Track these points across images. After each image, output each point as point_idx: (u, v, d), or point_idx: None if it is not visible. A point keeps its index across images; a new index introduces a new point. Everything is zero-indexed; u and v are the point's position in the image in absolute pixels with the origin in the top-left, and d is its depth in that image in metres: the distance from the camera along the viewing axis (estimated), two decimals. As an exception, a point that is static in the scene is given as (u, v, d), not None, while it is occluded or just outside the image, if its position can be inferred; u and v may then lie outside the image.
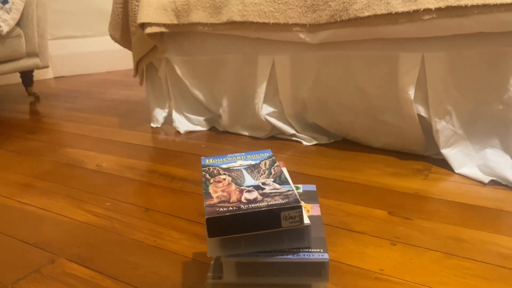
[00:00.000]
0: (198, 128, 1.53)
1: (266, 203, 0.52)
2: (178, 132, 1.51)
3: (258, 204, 0.52)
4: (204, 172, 0.63)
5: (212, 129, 1.55)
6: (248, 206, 0.52)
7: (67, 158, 1.32)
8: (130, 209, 0.96)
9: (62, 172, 1.20)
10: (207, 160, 0.68)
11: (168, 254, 0.77)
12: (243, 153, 0.70)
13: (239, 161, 0.67)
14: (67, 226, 0.89)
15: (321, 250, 0.53)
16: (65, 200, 1.01)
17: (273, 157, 0.68)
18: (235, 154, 0.70)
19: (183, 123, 1.53)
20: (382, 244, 0.78)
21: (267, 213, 0.51)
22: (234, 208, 0.51)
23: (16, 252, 0.79)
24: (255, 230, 0.52)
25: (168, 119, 1.60)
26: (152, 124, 1.60)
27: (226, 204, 0.53)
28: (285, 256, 0.52)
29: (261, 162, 0.66)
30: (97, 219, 0.91)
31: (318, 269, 0.52)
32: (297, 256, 0.52)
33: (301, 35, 1.18)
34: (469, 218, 0.85)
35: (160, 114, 1.59)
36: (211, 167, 0.65)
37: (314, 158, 1.22)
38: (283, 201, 0.52)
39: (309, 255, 0.52)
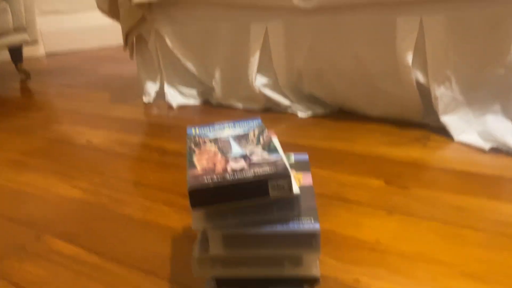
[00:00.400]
0: (191, 101, 1.49)
1: (253, 173, 0.49)
2: (170, 107, 1.48)
3: (244, 174, 0.49)
4: (189, 142, 0.60)
5: (206, 103, 1.50)
6: (234, 177, 0.49)
7: (58, 134, 1.28)
8: (120, 184, 0.93)
9: (51, 149, 1.17)
10: (193, 130, 0.65)
11: (157, 229, 0.74)
12: (231, 122, 0.67)
13: (227, 130, 0.64)
14: (55, 202, 0.86)
15: (312, 220, 0.50)
16: (54, 176, 0.99)
17: (263, 126, 0.64)
18: (223, 123, 0.67)
19: (175, 97, 1.49)
20: (378, 214, 0.75)
21: (254, 183, 0.48)
22: (219, 178, 0.48)
23: (1, 229, 0.77)
24: (241, 201, 0.49)
25: (160, 94, 1.56)
26: (143, 98, 1.56)
27: (211, 175, 0.50)
28: (274, 227, 0.49)
29: (250, 131, 0.63)
30: (86, 195, 0.89)
31: (309, 240, 0.49)
32: (286, 226, 0.49)
33: (294, 1, 1.13)
34: (469, 186, 0.83)
35: (151, 88, 1.55)
36: (197, 137, 0.62)
37: (309, 130, 1.18)
38: (271, 170, 0.49)
39: (299, 226, 0.49)
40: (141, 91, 1.59)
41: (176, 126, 1.29)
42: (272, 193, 0.49)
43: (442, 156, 0.96)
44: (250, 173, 0.49)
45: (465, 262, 0.62)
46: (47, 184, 0.95)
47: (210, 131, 0.64)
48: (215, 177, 0.49)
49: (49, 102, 1.70)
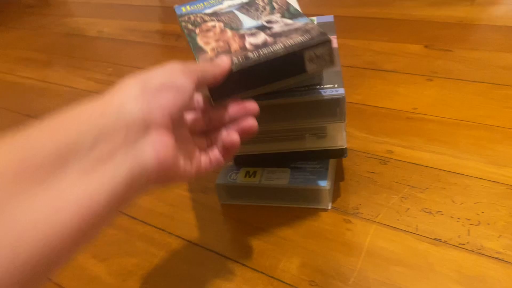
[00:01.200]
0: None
1: (282, 45, 0.38)
2: (184, -13, 1.35)
3: (271, 48, 0.38)
4: (183, 23, 0.49)
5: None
6: (259, 53, 0.37)
7: (68, 28, 1.21)
8: (133, 72, 0.87)
9: (62, 43, 1.11)
10: (183, 8, 0.54)
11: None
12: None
13: (226, 2, 0.53)
14: (69, 95, 0.83)
15: (336, 86, 0.43)
16: (66, 70, 0.94)
17: (273, -14, 0.53)
18: (218, -7, 0.55)
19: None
20: (416, 81, 0.67)
21: (286, 57, 0.37)
22: (241, 59, 0.37)
23: (17, 124, 0.75)
24: (271, 82, 0.38)
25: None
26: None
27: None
28: (291, 95, 0.43)
29: (257, -3, 0.52)
30: (99, 85, 0.84)
31: (332, 107, 0.42)
32: (305, 93, 0.43)
33: None
34: (525, 43, 0.71)
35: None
36: (191, 16, 0.52)
37: (338, -3, 1.05)
38: (305, 38, 0.38)
39: (320, 92, 0.42)
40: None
41: (190, 8, 1.18)
42: (310, 67, 0.38)
43: (492, 13, 0.83)
44: (278, 46, 0.38)
45: (517, 126, 0.54)
46: (59, 78, 0.91)
47: (204, 6, 0.53)
48: (235, 58, 0.37)
49: (60, -4, 1.60)
